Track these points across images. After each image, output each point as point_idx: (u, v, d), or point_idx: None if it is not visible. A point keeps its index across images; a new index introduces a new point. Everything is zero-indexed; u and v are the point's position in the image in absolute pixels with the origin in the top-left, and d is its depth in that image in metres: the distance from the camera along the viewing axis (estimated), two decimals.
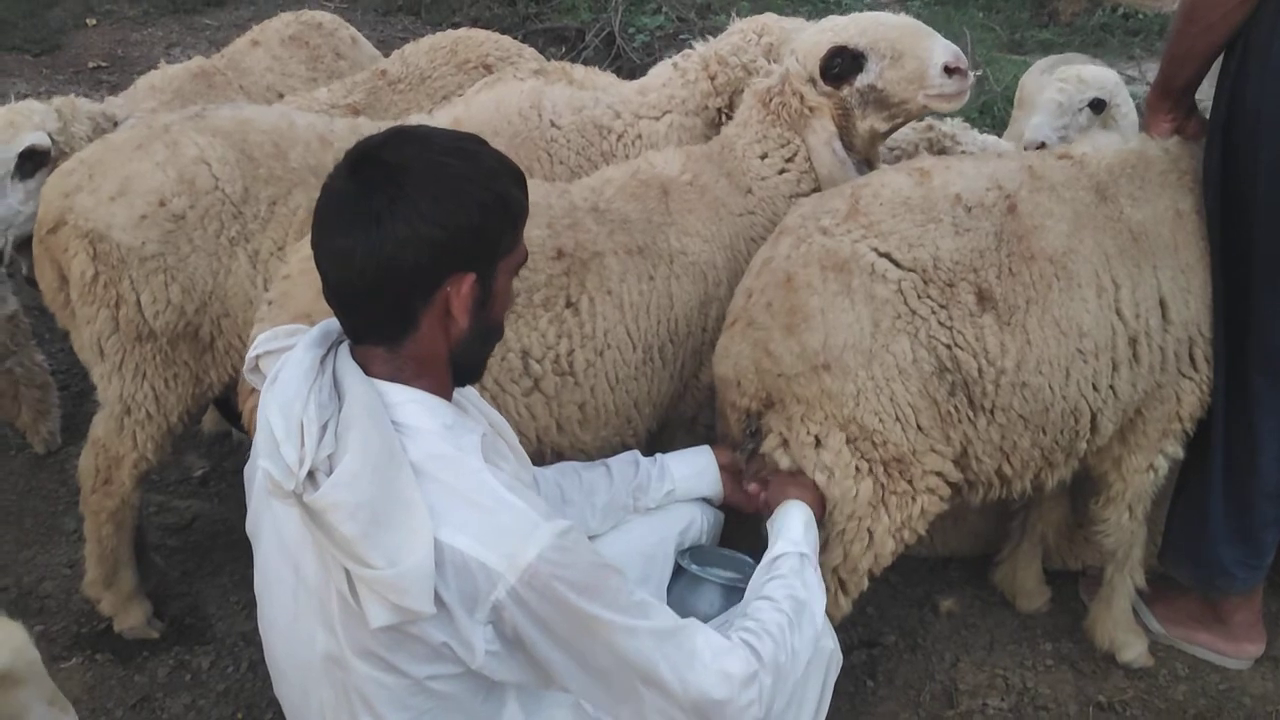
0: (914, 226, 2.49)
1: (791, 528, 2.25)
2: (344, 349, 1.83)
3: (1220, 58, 2.66)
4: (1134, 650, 3.00)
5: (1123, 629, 3.00)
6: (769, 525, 2.30)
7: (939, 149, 3.40)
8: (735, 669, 1.81)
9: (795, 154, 2.89)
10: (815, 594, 2.11)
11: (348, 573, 1.67)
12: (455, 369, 1.86)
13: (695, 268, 2.73)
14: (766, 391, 2.46)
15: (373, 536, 1.62)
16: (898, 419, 2.41)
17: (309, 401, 1.70)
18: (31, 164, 3.18)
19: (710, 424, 2.83)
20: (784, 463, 2.46)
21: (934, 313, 2.43)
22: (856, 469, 2.42)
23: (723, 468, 2.50)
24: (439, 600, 1.66)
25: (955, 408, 2.46)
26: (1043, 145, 3.48)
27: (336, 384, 1.76)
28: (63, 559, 3.37)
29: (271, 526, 1.86)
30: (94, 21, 8.48)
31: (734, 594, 2.22)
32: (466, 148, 1.81)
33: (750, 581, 2.14)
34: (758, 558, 2.26)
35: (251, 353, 1.94)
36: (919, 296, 2.43)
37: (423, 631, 1.69)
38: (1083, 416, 2.58)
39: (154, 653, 3.04)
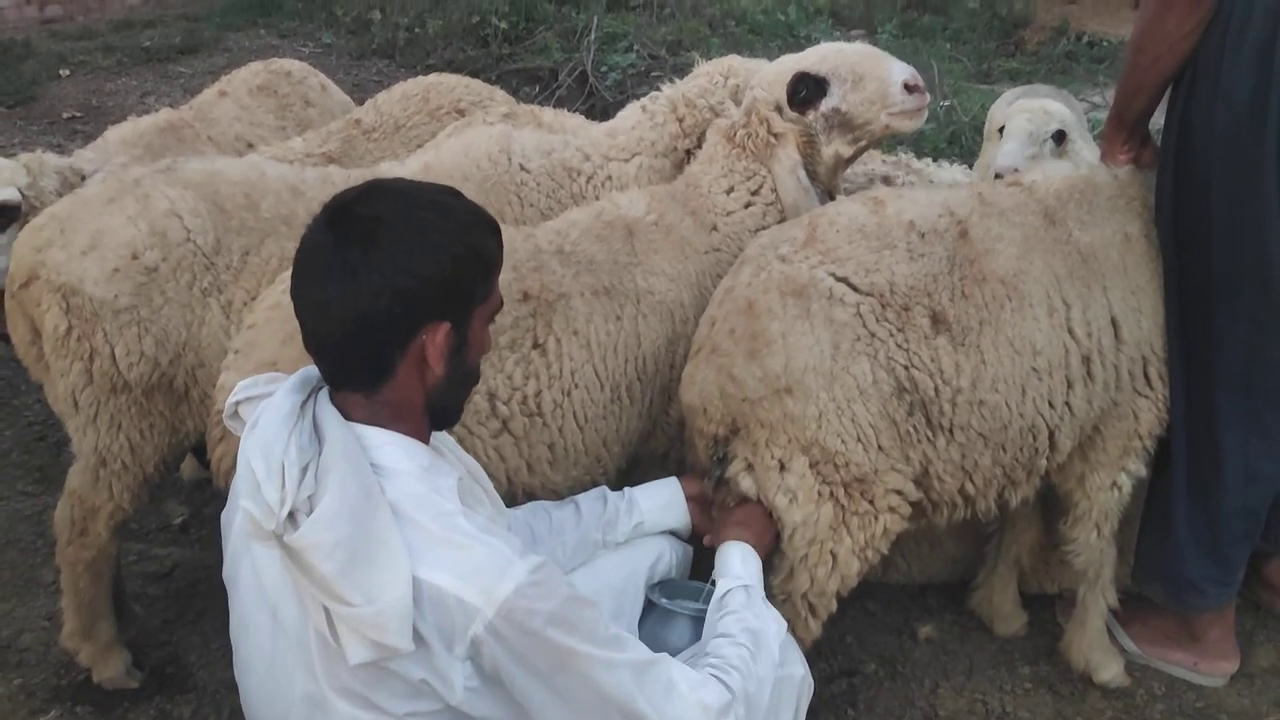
0: (870, 252, 2.55)
1: (730, 564, 2.30)
2: (324, 395, 1.88)
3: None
4: (1110, 671, 3.03)
5: (1098, 649, 3.03)
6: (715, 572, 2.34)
7: None
8: (711, 700, 1.85)
9: (761, 186, 2.94)
10: (767, 621, 2.15)
11: (327, 611, 1.70)
12: (432, 414, 1.91)
13: (662, 306, 2.77)
14: (731, 417, 2.50)
15: (351, 575, 1.66)
16: (859, 440, 2.45)
17: (289, 444, 1.74)
18: (3, 220, 3.20)
19: (682, 459, 2.85)
20: (747, 486, 2.50)
21: (891, 335, 2.48)
22: (818, 493, 2.45)
23: (691, 498, 2.53)
24: (418, 636, 1.69)
25: (914, 427, 2.51)
26: (1015, 172, 3.57)
27: (316, 428, 1.81)
28: (41, 611, 3.35)
29: (250, 570, 1.88)
30: (68, 72, 8.53)
31: (700, 624, 2.25)
32: (441, 200, 1.87)
33: (705, 621, 2.18)
34: None
35: (232, 399, 1.97)
36: (877, 320, 2.48)
37: (402, 668, 1.71)
38: (1040, 433, 2.63)
39: (135, 703, 3.02)
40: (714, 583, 2.32)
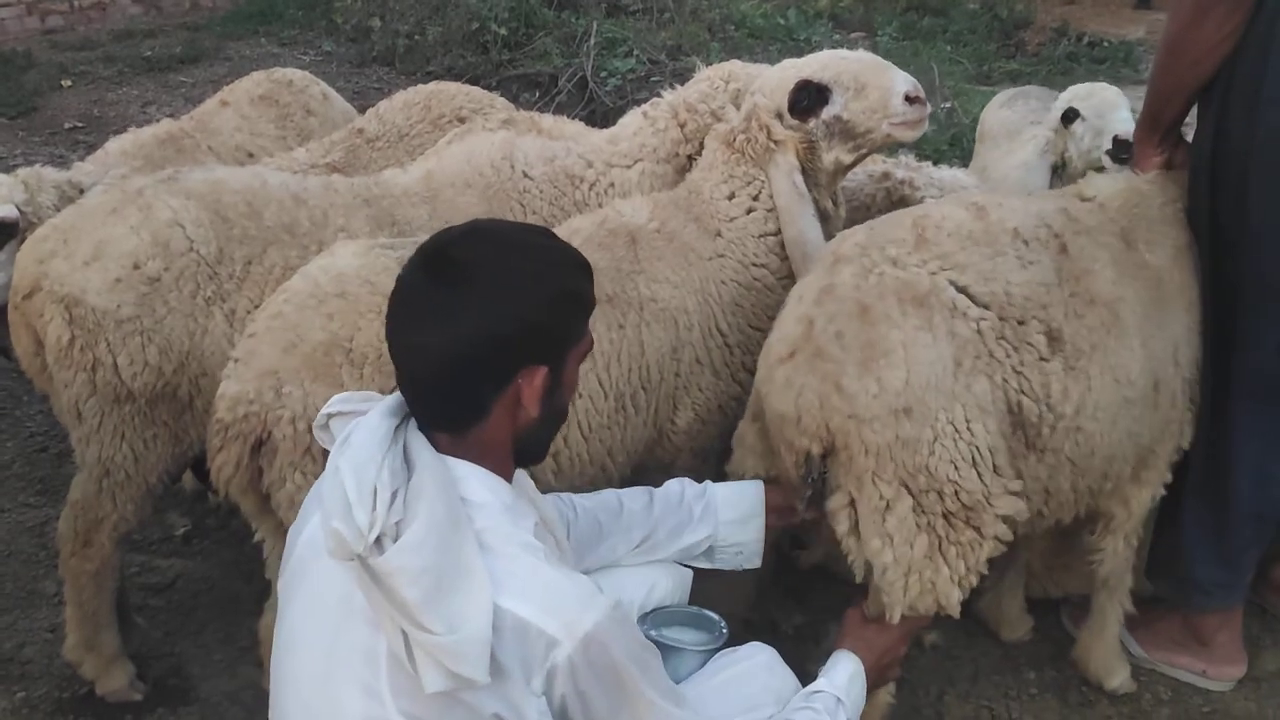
0: (984, 260, 2.41)
1: (838, 674, 2.23)
2: (414, 422, 1.87)
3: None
4: (1119, 677, 3.02)
5: (1113, 656, 3.01)
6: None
7: (897, 197, 3.42)
8: None
9: (760, 192, 2.92)
10: None
11: (405, 636, 1.67)
12: (519, 451, 1.91)
13: (666, 314, 2.75)
14: (830, 432, 2.29)
15: (434, 602, 1.64)
16: (974, 464, 2.28)
17: (383, 468, 1.72)
18: (1, 237, 3.19)
19: (688, 467, 2.84)
20: (843, 526, 2.34)
21: (1008, 356, 2.36)
22: (915, 526, 2.29)
23: (773, 509, 2.47)
24: (497, 666, 1.67)
25: (1014, 444, 2.39)
26: None
27: (407, 455, 1.80)
28: (44, 623, 3.35)
29: (310, 588, 1.86)
30: (69, 83, 8.53)
31: (692, 657, 2.20)
32: (537, 243, 1.87)
33: (786, 707, 2.14)
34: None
35: (325, 409, 1.97)
36: (996, 337, 2.36)
37: (476, 700, 1.68)
38: (1115, 463, 2.57)
39: (138, 716, 3.02)
40: (714, 615, 2.30)
